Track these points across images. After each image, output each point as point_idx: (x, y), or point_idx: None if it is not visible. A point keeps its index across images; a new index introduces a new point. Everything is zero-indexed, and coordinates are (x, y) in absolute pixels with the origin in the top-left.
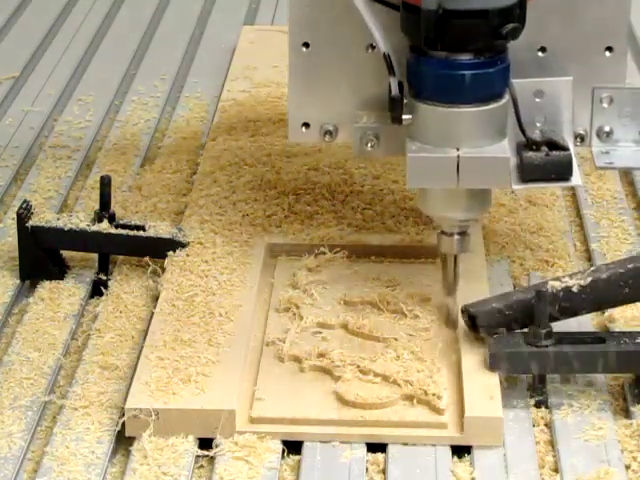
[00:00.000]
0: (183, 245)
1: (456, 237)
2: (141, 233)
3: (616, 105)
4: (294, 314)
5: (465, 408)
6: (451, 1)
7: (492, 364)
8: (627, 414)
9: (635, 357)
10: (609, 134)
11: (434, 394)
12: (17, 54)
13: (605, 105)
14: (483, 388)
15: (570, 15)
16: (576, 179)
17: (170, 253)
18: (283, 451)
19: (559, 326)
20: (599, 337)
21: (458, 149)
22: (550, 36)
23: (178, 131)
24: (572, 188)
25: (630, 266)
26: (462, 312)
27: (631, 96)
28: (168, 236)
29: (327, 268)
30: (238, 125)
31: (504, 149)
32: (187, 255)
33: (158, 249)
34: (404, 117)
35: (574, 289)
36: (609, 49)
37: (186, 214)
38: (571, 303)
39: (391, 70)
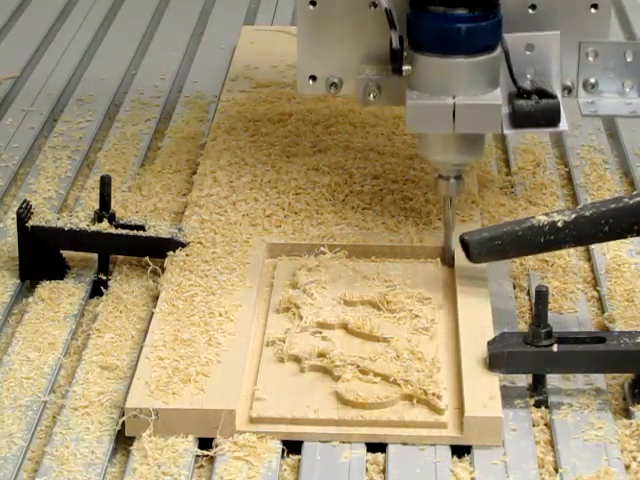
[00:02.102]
0: (183, 245)
1: (452, 180)
2: (141, 233)
3: (601, 58)
4: (294, 314)
5: (465, 408)
6: None
7: (492, 364)
8: (627, 414)
9: (635, 357)
10: (594, 86)
11: (434, 394)
12: (17, 54)
13: (591, 59)
14: (483, 388)
15: None
16: (563, 124)
17: (170, 253)
18: (283, 451)
19: (559, 326)
20: (599, 337)
21: (454, 97)
22: None
23: (178, 131)
24: (572, 188)
25: (612, 206)
26: (460, 241)
27: (615, 50)
28: (168, 236)
29: (327, 268)
30: (238, 125)
31: (497, 97)
32: (187, 255)
33: (158, 249)
34: (404, 68)
35: (559, 224)
36: (594, 6)
37: (186, 214)
38: (555, 237)
39: (392, 24)
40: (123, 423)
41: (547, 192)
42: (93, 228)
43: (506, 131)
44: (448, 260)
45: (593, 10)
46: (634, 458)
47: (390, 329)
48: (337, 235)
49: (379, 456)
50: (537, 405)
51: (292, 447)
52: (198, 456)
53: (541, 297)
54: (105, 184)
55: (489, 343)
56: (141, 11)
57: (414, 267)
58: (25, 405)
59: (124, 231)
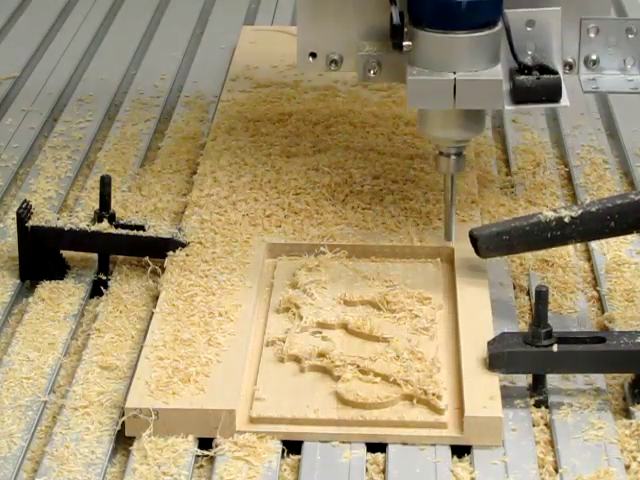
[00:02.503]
0: (183, 245)
1: (452, 157)
2: (141, 233)
3: (602, 35)
4: (294, 314)
5: (465, 408)
6: None
7: (492, 364)
8: (627, 414)
9: (635, 357)
10: (595, 62)
11: (434, 394)
12: (17, 54)
13: (592, 35)
14: (483, 388)
15: None
16: (564, 100)
17: (170, 253)
18: (283, 451)
19: (559, 326)
20: (599, 337)
21: (455, 73)
22: None
23: (178, 131)
24: (572, 188)
25: (618, 202)
26: (469, 236)
27: (616, 26)
28: (168, 236)
29: (327, 268)
30: (238, 125)
31: (497, 73)
32: (187, 255)
33: (158, 249)
34: (404, 44)
35: (566, 220)
36: None
37: (186, 214)
38: (562, 232)
39: (392, 0)
40: (123, 423)
41: (547, 192)
42: (93, 228)
43: (507, 107)
44: (447, 238)
45: None
46: (634, 458)
47: (390, 329)
48: (337, 235)
49: (379, 456)
50: (537, 405)
51: (292, 447)
52: (198, 456)
53: (541, 297)
54: (105, 184)
55: (489, 343)
56: (141, 11)
57: (414, 267)
58: (25, 405)
59: (124, 231)
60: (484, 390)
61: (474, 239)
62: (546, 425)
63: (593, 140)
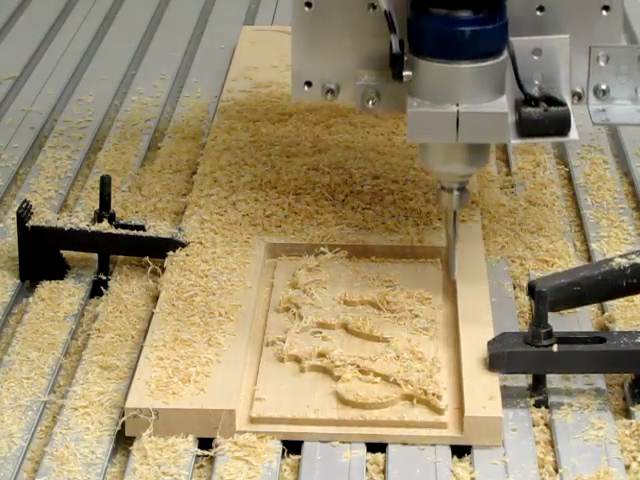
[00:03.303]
0: (183, 245)
1: (455, 193)
2: (141, 233)
3: (612, 63)
4: (294, 314)
5: (465, 408)
6: None
7: (492, 364)
8: (627, 414)
9: (635, 357)
10: (605, 92)
11: (434, 394)
12: (17, 54)
13: (602, 63)
14: (483, 388)
15: None
16: (573, 134)
17: (170, 253)
18: (283, 451)
19: (559, 326)
20: (599, 337)
21: (457, 104)
22: None
23: (178, 131)
24: (572, 188)
25: None
26: (529, 288)
27: (627, 54)
28: (168, 236)
29: (327, 268)
30: (238, 125)
31: (503, 104)
32: (187, 255)
33: (158, 249)
34: (404, 74)
35: None
36: (605, 8)
37: (186, 214)
38: (639, 279)
39: (392, 27)
40: (123, 423)
41: (547, 192)
42: (93, 228)
43: (513, 141)
44: (451, 275)
45: (604, 12)
46: (634, 458)
47: (390, 329)
48: (337, 235)
49: (379, 456)
50: (537, 405)
51: (292, 447)
52: (198, 456)
53: (541, 297)
54: (105, 184)
55: (489, 343)
56: (141, 11)
57: (414, 267)
58: (25, 405)
59: (124, 231)
60: (484, 390)
61: (540, 291)
62: (546, 425)
63: (593, 140)
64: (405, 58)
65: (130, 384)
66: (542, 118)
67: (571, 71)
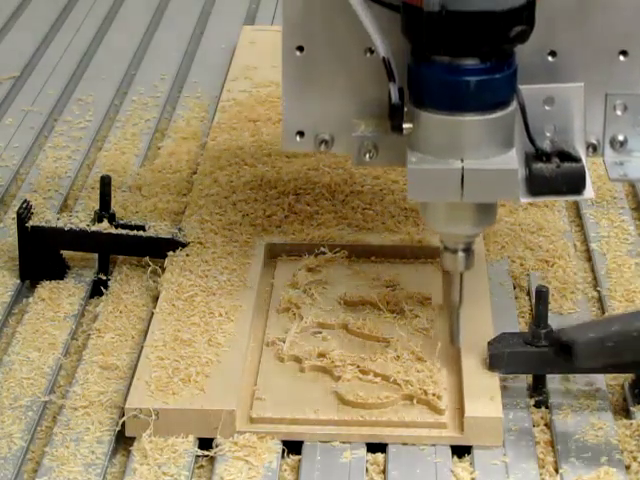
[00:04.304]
0: (183, 245)
1: (460, 254)
2: (141, 233)
3: (630, 112)
4: (294, 314)
5: (465, 408)
6: (455, 2)
7: (492, 364)
8: (627, 414)
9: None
10: (623, 143)
11: (434, 394)
12: (17, 54)
13: (619, 112)
14: (483, 388)
15: (582, 16)
16: (589, 192)
17: (170, 253)
18: (283, 451)
19: (559, 326)
20: None
21: (462, 160)
22: (560, 39)
23: (178, 131)
24: None
25: None
26: (557, 341)
27: None
28: (168, 236)
29: (327, 268)
30: (238, 125)
31: (511, 160)
32: (187, 255)
33: (158, 249)
34: (405, 126)
35: None
36: (623, 53)
37: (186, 214)
38: None
39: (391, 76)
40: (123, 423)
41: None
42: (93, 228)
43: (522, 199)
44: (455, 343)
45: (622, 57)
46: (634, 458)
47: (390, 329)
48: (337, 235)
49: (379, 456)
50: (537, 405)
51: (292, 447)
52: (198, 456)
53: (541, 297)
54: (105, 184)
55: (489, 343)
56: (141, 11)
57: (414, 267)
58: (25, 405)
59: (124, 231)
60: (484, 390)
61: (567, 345)
62: (546, 425)
63: None
64: (405, 108)
65: (130, 384)
66: (555, 175)
67: (585, 121)
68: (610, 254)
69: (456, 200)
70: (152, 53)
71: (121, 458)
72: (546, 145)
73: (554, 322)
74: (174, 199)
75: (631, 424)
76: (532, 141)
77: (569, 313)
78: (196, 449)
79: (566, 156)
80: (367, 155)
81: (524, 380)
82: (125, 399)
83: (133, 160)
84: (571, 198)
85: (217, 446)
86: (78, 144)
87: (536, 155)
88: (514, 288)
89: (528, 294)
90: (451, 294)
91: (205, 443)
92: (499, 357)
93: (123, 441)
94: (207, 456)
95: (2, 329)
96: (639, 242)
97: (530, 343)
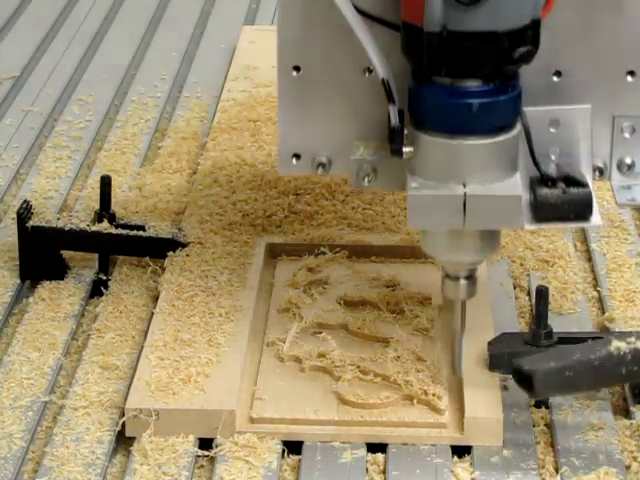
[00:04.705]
0: (183, 245)
1: (462, 282)
2: (141, 233)
3: (639, 135)
4: (294, 314)
5: (465, 408)
6: (457, 22)
7: (492, 364)
8: (627, 414)
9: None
10: (631, 167)
11: (434, 394)
12: (17, 54)
13: (627, 135)
14: (483, 388)
15: (588, 36)
16: (596, 218)
17: (170, 253)
18: (283, 451)
19: (559, 326)
20: (599, 337)
21: (464, 185)
22: (566, 59)
23: (178, 131)
24: None
25: None
26: (516, 371)
27: None
28: (168, 236)
29: (327, 268)
30: (238, 125)
31: (516, 186)
32: (187, 255)
33: (158, 249)
34: (405, 149)
35: None
36: (631, 73)
37: (186, 214)
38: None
39: (390, 97)
40: (123, 423)
41: None
42: (93, 228)
43: (527, 226)
44: (457, 372)
45: (629, 78)
46: (634, 458)
47: (390, 329)
48: (337, 235)
49: (379, 456)
50: (537, 405)
51: (292, 447)
52: (198, 456)
53: (541, 297)
54: (105, 184)
55: (489, 343)
56: (141, 11)
57: (414, 267)
58: (25, 405)
59: (124, 231)
60: (484, 390)
61: (527, 376)
62: (546, 425)
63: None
64: (405, 131)
65: (130, 384)
66: (560, 201)
67: (592, 143)
68: (610, 254)
69: (458, 227)
70: (152, 53)
71: (121, 458)
72: (551, 169)
73: (554, 322)
74: (174, 199)
75: (631, 424)
76: (537, 165)
77: (569, 313)
78: (196, 449)
79: (572, 181)
80: (366, 179)
81: None
82: (125, 399)
83: (133, 160)
84: (578, 225)
85: (217, 446)
86: (78, 144)
87: (541, 180)
88: (514, 288)
89: (528, 294)
90: (452, 322)
91: (205, 443)
92: (499, 357)
93: (123, 441)
94: (207, 456)
95: (2, 329)
96: (639, 242)
97: (530, 343)
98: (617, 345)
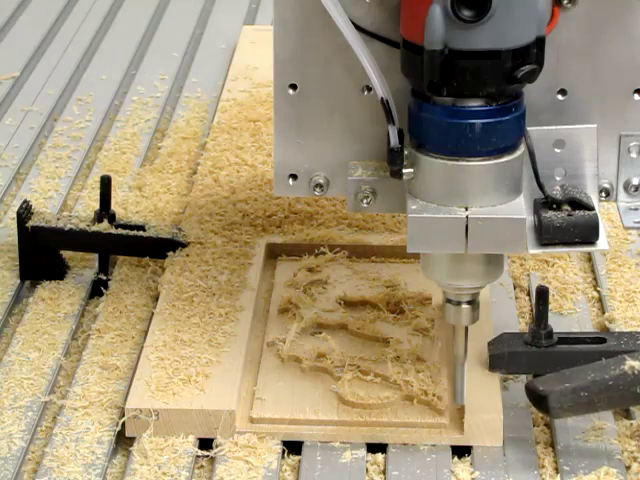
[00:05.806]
0: (183, 245)
1: (464, 306)
2: (141, 233)
3: None
4: (294, 314)
5: (465, 408)
6: (458, 40)
7: (492, 364)
8: (627, 414)
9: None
10: (638, 188)
11: (434, 394)
12: (17, 54)
13: (634, 155)
14: (483, 388)
15: (593, 53)
16: (603, 243)
17: (170, 253)
18: (283, 451)
19: (559, 326)
20: (599, 337)
21: (466, 208)
22: (571, 77)
23: (178, 131)
24: None
25: None
26: (531, 391)
27: None
28: (168, 236)
29: (327, 268)
30: (238, 125)
31: (519, 208)
32: (187, 255)
33: (158, 249)
34: (404, 171)
35: None
36: (638, 91)
37: (186, 214)
38: None
39: (390, 117)
40: (123, 423)
41: None
42: (93, 228)
43: (532, 251)
44: (459, 400)
45: (637, 96)
46: (634, 459)
47: (390, 329)
48: (337, 235)
49: (379, 456)
50: None
51: (292, 447)
52: (198, 456)
53: (541, 297)
54: (105, 184)
55: (489, 343)
56: (141, 11)
57: (414, 267)
58: (25, 405)
59: (124, 231)
60: (484, 390)
61: (541, 397)
62: (546, 425)
63: None
64: (405, 152)
65: (130, 384)
66: (566, 225)
67: (598, 164)
68: (610, 254)
69: (460, 252)
70: (152, 53)
71: (121, 458)
72: (556, 191)
73: (554, 322)
74: (174, 199)
75: (631, 424)
76: (541, 188)
77: (569, 313)
78: (196, 449)
79: (578, 204)
80: (364, 201)
81: (524, 380)
82: (125, 399)
83: (133, 160)
84: (583, 249)
85: (217, 446)
86: (78, 144)
87: (545, 202)
88: (514, 288)
89: (528, 294)
90: (454, 348)
91: (205, 443)
92: (499, 357)
93: (123, 441)
94: (207, 456)
95: (2, 329)
96: (639, 242)
97: (530, 343)
98: (631, 364)
